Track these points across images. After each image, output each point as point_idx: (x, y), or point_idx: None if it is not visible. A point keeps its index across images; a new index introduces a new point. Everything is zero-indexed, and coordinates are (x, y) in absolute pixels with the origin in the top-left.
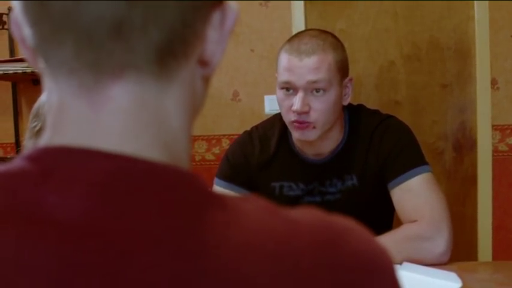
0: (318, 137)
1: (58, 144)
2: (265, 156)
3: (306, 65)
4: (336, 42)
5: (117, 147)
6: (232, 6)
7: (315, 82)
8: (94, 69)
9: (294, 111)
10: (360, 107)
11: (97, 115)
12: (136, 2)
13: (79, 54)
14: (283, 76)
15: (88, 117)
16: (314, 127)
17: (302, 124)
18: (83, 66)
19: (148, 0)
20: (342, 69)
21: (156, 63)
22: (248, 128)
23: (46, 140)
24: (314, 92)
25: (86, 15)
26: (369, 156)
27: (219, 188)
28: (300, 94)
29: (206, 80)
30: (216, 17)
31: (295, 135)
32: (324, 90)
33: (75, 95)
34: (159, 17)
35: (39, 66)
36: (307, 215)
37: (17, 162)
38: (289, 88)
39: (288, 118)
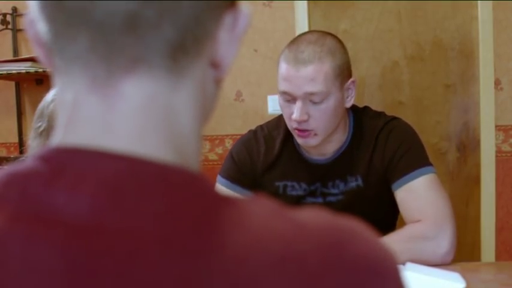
0: (320, 142)
1: (70, 144)
2: (270, 157)
3: (303, 76)
4: (335, 46)
5: (128, 148)
6: (244, 10)
7: (312, 93)
8: (107, 63)
9: (293, 120)
10: (365, 108)
11: (108, 114)
12: None
13: (93, 48)
14: (281, 85)
15: (100, 116)
16: (315, 134)
17: (303, 132)
18: (96, 60)
19: None
20: (342, 73)
21: (168, 59)
22: (252, 128)
23: (58, 139)
24: (313, 99)
25: (101, 9)
26: (374, 157)
27: (221, 186)
28: (299, 104)
29: (217, 82)
30: (228, 19)
31: (298, 141)
32: (322, 99)
33: (88, 91)
34: (172, 14)
35: (52, 64)
36: (313, 216)
37: (29, 162)
38: (289, 96)
39: (290, 125)
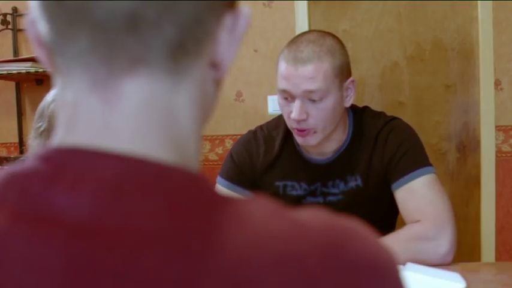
0: (319, 141)
1: (70, 143)
2: (269, 157)
3: (302, 74)
4: (334, 46)
5: (128, 147)
6: (244, 10)
7: (311, 92)
8: (108, 63)
9: (292, 119)
10: (365, 108)
11: (109, 114)
12: None
13: (94, 48)
14: (280, 84)
15: (100, 116)
16: (315, 132)
17: (302, 131)
18: (97, 60)
19: None
20: (341, 73)
21: (169, 59)
22: (251, 129)
23: (59, 138)
24: (312, 97)
25: (101, 9)
26: (374, 157)
27: (222, 187)
28: (297, 102)
29: (217, 83)
30: (228, 19)
31: (298, 140)
32: (321, 98)
33: (89, 91)
34: (173, 13)
35: (53, 64)
36: (313, 216)
37: (30, 162)
38: (288, 95)
39: (289, 124)
